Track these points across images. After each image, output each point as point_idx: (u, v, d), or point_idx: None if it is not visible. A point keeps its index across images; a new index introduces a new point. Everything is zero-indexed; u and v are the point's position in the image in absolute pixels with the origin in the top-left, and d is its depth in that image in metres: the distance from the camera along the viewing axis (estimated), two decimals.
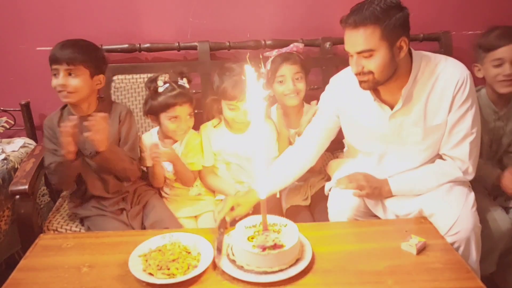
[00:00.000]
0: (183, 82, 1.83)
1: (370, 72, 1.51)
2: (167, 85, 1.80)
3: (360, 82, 1.57)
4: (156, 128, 1.93)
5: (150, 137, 1.92)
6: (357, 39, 1.48)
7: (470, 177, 1.64)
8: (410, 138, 1.63)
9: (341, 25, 1.53)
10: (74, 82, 1.72)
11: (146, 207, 1.82)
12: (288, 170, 1.75)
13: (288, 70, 1.92)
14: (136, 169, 1.84)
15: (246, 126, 1.88)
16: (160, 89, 1.79)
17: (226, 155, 1.92)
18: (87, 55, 1.75)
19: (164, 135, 1.87)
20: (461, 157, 1.61)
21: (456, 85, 1.54)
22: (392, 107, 1.61)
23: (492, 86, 1.84)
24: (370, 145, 1.73)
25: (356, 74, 1.55)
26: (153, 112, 1.82)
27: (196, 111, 1.93)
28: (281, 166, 1.76)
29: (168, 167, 1.86)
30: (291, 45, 2.00)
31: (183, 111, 1.78)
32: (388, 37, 1.47)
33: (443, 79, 1.55)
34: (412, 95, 1.58)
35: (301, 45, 2.02)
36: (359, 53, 1.50)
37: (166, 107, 1.78)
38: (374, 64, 1.50)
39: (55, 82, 1.73)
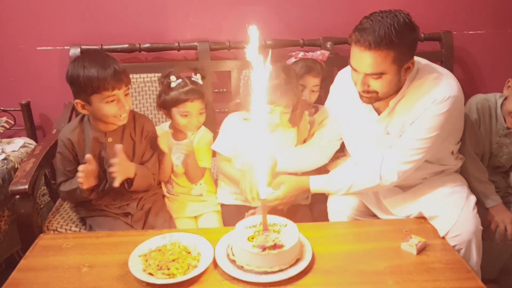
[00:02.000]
0: (197, 78, 1.81)
1: (375, 91, 1.51)
2: (179, 80, 1.78)
3: (361, 96, 1.56)
4: (168, 122, 1.93)
5: (161, 131, 1.90)
6: (368, 61, 1.44)
7: (388, 186, 1.62)
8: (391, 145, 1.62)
9: (349, 40, 1.49)
10: (130, 102, 1.67)
11: (149, 214, 1.80)
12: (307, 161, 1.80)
13: (309, 82, 1.91)
14: (155, 183, 1.83)
15: (276, 127, 1.80)
16: (173, 84, 1.78)
17: (243, 152, 1.85)
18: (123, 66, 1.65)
19: (175, 129, 1.87)
20: (391, 163, 1.57)
21: (433, 102, 1.49)
22: (379, 113, 1.62)
23: (505, 114, 1.78)
24: (355, 147, 1.76)
25: (360, 91, 1.54)
26: (166, 106, 1.81)
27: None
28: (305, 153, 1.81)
29: (176, 160, 1.85)
30: (318, 52, 1.97)
31: (194, 107, 1.77)
32: (400, 61, 1.45)
33: (427, 97, 1.51)
34: (398, 107, 1.57)
35: (327, 53, 2.00)
36: (368, 74, 1.48)
37: (177, 102, 1.77)
38: (381, 84, 1.49)
39: (114, 109, 1.61)
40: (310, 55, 1.96)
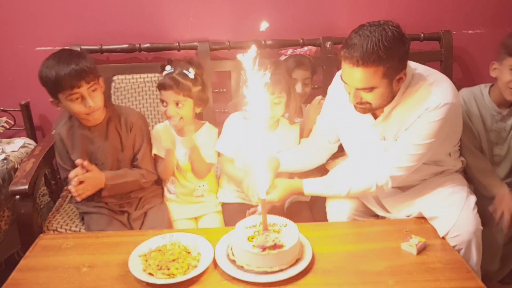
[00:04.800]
0: (188, 72, 1.77)
1: (368, 103, 1.51)
2: (171, 70, 1.78)
3: (355, 107, 1.56)
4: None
5: (164, 127, 1.89)
6: (357, 76, 1.43)
7: (384, 191, 1.62)
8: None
9: (340, 54, 1.48)
10: (98, 98, 1.66)
11: (147, 215, 1.81)
12: (300, 162, 1.78)
13: (300, 75, 1.99)
14: (150, 178, 1.83)
15: (275, 126, 1.85)
16: (164, 72, 1.79)
17: (244, 151, 1.84)
18: (91, 63, 1.64)
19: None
20: (385, 168, 1.56)
21: (427, 109, 1.48)
22: (376, 117, 1.62)
23: (502, 90, 1.79)
24: (352, 150, 1.76)
25: (353, 103, 1.54)
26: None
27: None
28: (296, 154, 1.79)
29: (183, 156, 1.84)
30: (305, 48, 2.06)
31: (168, 96, 1.75)
32: (390, 75, 1.44)
33: (421, 103, 1.50)
34: (393, 113, 1.57)
35: (314, 48, 2.10)
36: (359, 89, 1.47)
37: (158, 88, 1.79)
38: (373, 97, 1.48)
39: (80, 107, 1.62)
40: (298, 51, 2.07)
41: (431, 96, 1.49)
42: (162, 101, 1.78)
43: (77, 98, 1.62)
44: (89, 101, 1.63)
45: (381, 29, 1.40)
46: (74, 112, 1.66)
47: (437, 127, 1.49)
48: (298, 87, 1.98)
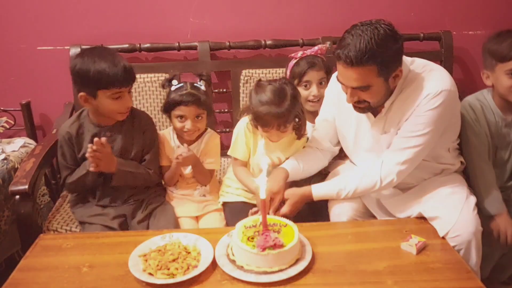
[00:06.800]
0: (200, 84, 1.82)
1: (366, 101, 1.51)
2: (181, 84, 1.80)
3: (354, 107, 1.56)
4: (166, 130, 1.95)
5: (168, 135, 1.91)
6: (352, 76, 1.44)
7: (389, 188, 1.62)
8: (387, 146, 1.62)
9: (334, 56, 1.48)
10: (131, 100, 1.71)
11: (153, 215, 1.80)
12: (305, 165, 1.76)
13: (313, 76, 1.94)
14: (155, 179, 1.84)
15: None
16: (173, 88, 1.80)
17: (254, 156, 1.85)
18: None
19: (177, 134, 1.88)
20: (390, 164, 1.57)
21: (426, 97, 1.48)
22: (375, 113, 1.62)
23: (504, 96, 1.77)
24: (353, 151, 1.76)
25: (351, 103, 1.54)
26: (166, 110, 1.83)
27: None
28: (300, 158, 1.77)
29: (186, 168, 1.86)
30: (316, 47, 2.01)
31: (189, 111, 1.77)
32: (385, 73, 1.45)
33: (420, 92, 1.50)
34: (393, 106, 1.57)
35: (324, 46, 2.03)
36: (354, 88, 1.48)
37: (173, 105, 1.78)
38: (370, 95, 1.49)
39: (117, 106, 1.65)
40: (308, 51, 2.00)
41: (429, 84, 1.50)
42: (181, 116, 1.78)
43: (118, 97, 1.63)
44: (130, 102, 1.67)
45: (373, 27, 1.40)
46: (109, 109, 1.66)
47: (437, 114, 1.49)
48: (314, 89, 1.94)
